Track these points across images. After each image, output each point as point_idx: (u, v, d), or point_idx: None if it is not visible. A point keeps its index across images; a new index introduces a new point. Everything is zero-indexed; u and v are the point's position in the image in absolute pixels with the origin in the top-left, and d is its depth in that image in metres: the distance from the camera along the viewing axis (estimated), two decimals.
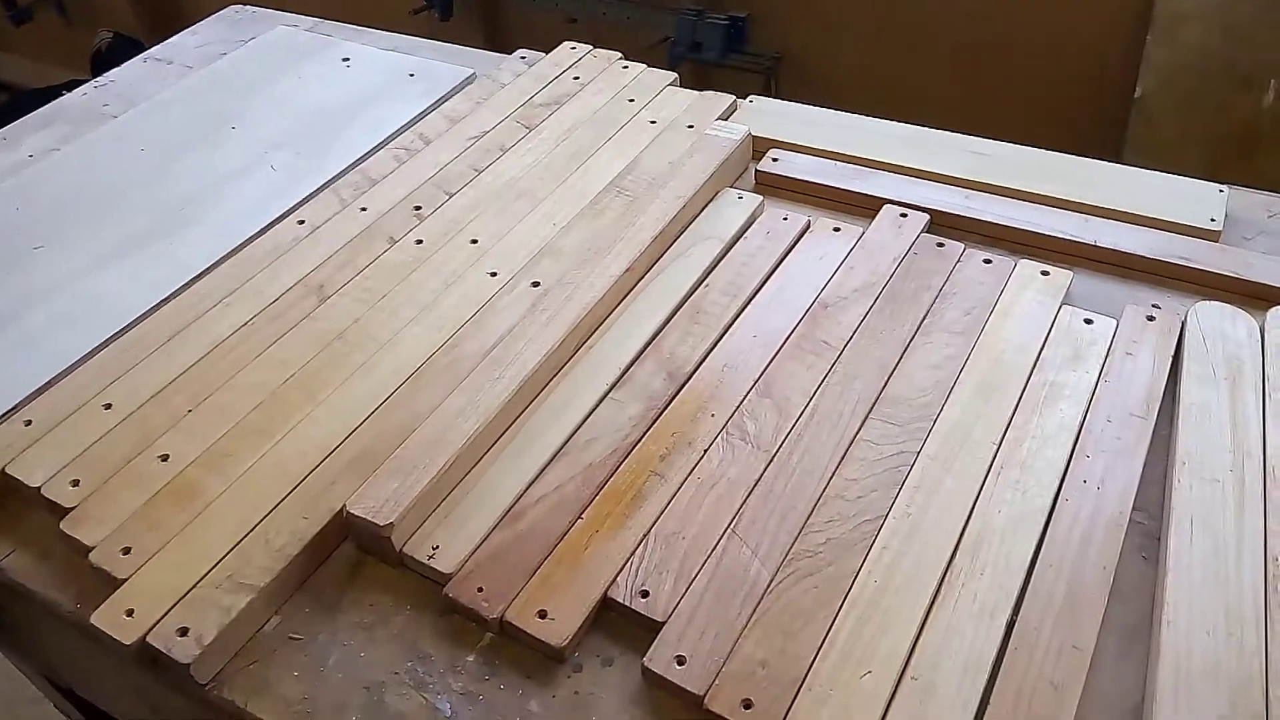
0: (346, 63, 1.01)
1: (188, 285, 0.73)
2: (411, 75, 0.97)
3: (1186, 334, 0.62)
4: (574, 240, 0.73)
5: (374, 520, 0.52)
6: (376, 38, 1.07)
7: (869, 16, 1.47)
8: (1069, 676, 0.45)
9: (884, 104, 1.00)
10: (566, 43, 0.99)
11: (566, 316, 0.65)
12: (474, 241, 0.73)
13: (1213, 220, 0.71)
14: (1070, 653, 0.46)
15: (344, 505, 0.54)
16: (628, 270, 0.69)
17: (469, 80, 0.96)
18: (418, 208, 0.77)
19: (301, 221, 0.77)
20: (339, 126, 0.90)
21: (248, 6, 1.17)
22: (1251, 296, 0.66)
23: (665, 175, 0.77)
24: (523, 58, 0.98)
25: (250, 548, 0.53)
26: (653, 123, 0.85)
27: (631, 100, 0.89)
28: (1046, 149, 0.79)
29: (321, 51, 1.03)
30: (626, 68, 0.94)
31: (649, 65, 0.94)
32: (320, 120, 0.91)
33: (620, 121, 0.86)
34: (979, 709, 0.45)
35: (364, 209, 0.78)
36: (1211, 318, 0.63)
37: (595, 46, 0.97)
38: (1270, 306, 0.64)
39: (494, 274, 0.70)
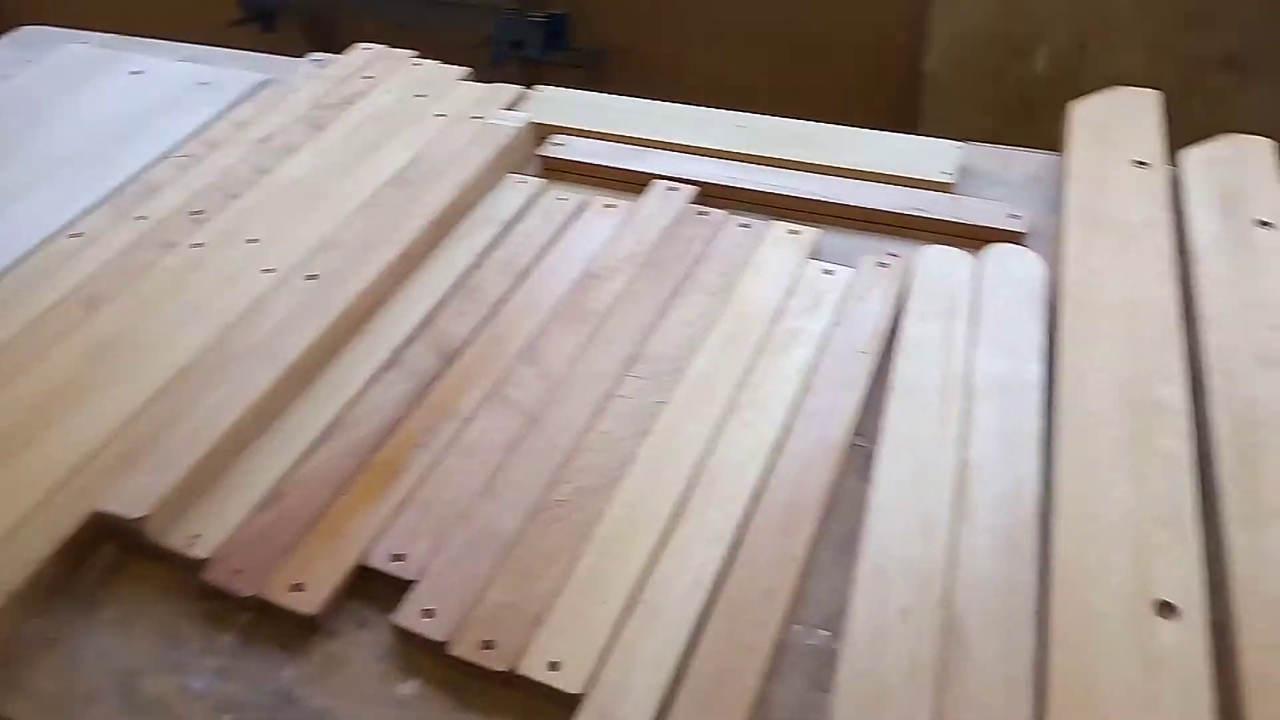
0: (136, 75, 0.99)
1: None
2: (204, 84, 0.97)
3: (914, 276, 0.68)
4: (352, 233, 0.74)
5: (125, 515, 0.53)
6: (172, 49, 1.06)
7: (687, 11, 1.53)
8: (780, 583, 0.50)
9: (707, 94, 1.03)
10: (359, 44, 1.01)
11: (336, 305, 0.66)
12: (252, 241, 0.74)
13: (945, 173, 0.78)
14: (784, 563, 0.51)
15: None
16: (401, 256, 0.71)
17: (263, 86, 0.96)
18: (198, 212, 0.78)
19: (77, 235, 0.77)
20: (125, 139, 0.89)
21: (40, 26, 1.14)
22: (976, 239, 0.72)
23: (445, 165, 0.80)
24: (316, 61, 0.99)
25: (2, 553, 0.53)
26: (439, 116, 0.87)
27: (420, 96, 0.91)
28: (852, 126, 0.84)
29: (111, 65, 1.01)
30: (418, 65, 0.96)
31: (475, 66, 0.96)
32: (106, 134, 0.90)
33: (407, 117, 0.88)
34: (699, 619, 0.48)
35: (142, 218, 0.78)
36: (936, 260, 0.69)
37: (423, 50, 0.98)
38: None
39: (270, 270, 0.71)
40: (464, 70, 0.95)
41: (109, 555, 0.55)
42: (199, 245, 0.74)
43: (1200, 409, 0.57)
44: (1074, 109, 0.84)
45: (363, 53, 0.99)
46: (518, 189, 0.80)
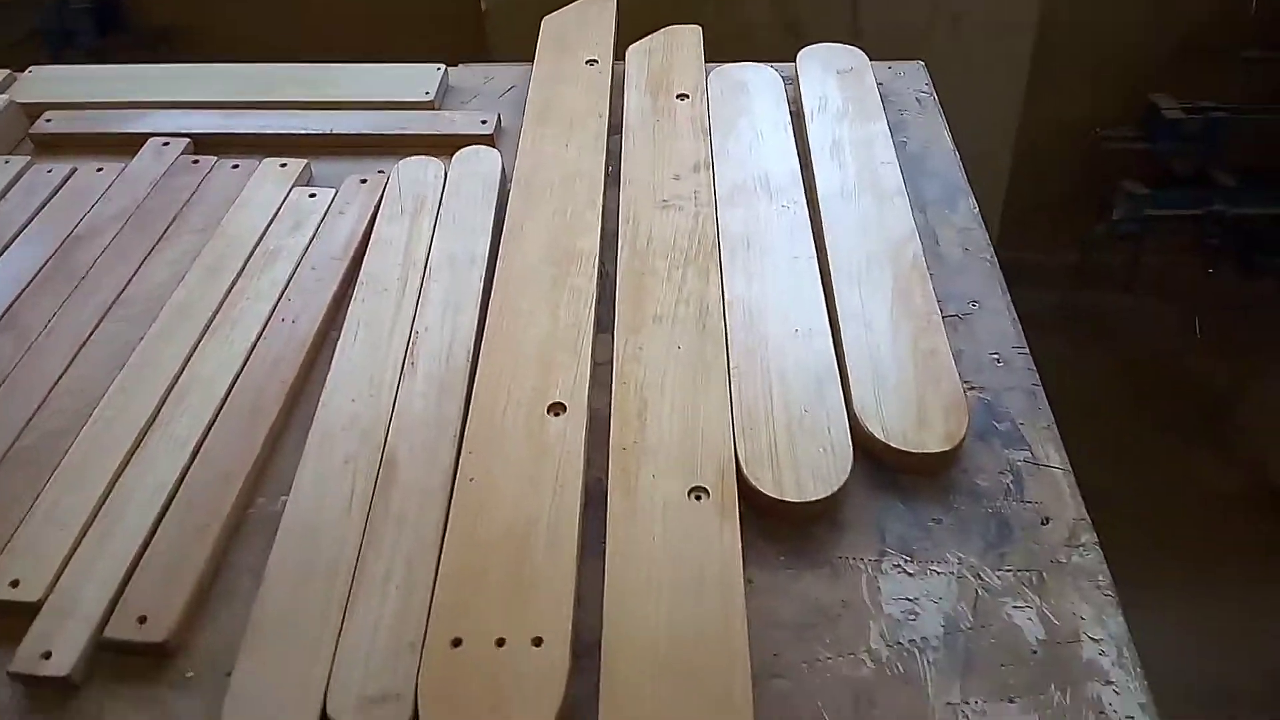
0: None
1: None
2: None
3: (388, 186, 0.75)
4: None
5: None
6: None
7: None
8: (239, 467, 0.55)
9: (284, 50, 1.01)
10: None
11: None
12: None
13: (427, 93, 0.86)
14: (244, 450, 0.56)
15: None
16: None
17: None
18: None
19: None
20: None
21: None
22: (454, 147, 0.80)
23: None
24: None
25: None
26: None
27: None
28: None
29: None
30: None
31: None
32: None
33: None
34: (160, 515, 0.53)
35: None
36: (410, 169, 0.77)
37: None
38: None
39: None
40: None
41: None
42: None
43: (611, 250, 0.69)
44: (545, 21, 0.94)
45: None
46: (1, 170, 0.78)
